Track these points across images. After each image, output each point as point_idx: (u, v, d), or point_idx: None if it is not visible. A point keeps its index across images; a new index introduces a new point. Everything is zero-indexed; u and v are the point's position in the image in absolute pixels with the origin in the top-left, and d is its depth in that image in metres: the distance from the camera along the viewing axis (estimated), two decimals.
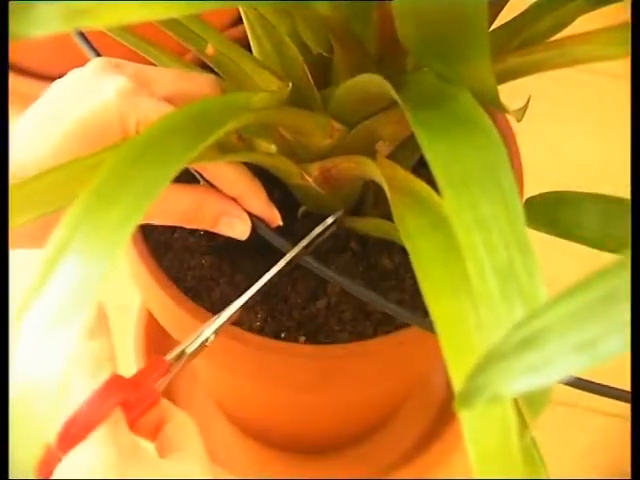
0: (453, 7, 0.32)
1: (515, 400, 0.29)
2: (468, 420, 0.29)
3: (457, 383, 0.30)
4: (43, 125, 0.43)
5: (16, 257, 0.40)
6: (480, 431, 0.29)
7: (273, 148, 0.48)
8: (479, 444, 0.29)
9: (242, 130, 0.48)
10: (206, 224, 0.47)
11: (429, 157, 0.32)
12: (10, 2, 0.27)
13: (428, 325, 0.48)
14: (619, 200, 0.46)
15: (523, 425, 0.29)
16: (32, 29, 0.26)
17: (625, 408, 0.74)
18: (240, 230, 0.48)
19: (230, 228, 0.48)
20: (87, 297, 0.28)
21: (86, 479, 0.36)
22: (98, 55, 0.49)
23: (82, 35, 0.50)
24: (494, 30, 0.45)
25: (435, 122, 0.34)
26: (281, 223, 0.49)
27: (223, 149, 0.45)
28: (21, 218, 0.33)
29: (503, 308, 0.28)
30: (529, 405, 0.28)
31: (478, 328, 0.31)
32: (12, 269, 0.32)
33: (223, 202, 0.47)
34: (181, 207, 0.46)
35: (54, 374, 0.28)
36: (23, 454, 0.27)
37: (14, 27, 0.26)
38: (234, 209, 0.47)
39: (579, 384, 0.48)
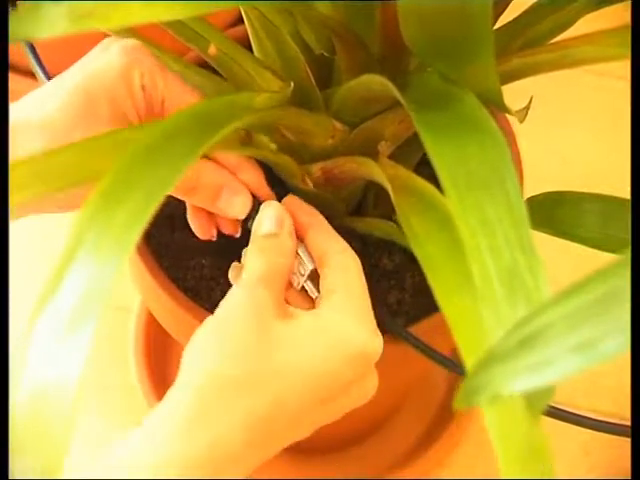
0: (458, 7, 0.32)
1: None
2: (492, 418, 0.29)
3: None
4: (51, 85, 0.45)
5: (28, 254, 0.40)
6: (504, 431, 0.29)
7: (274, 148, 0.48)
8: (505, 444, 0.29)
9: (246, 132, 0.48)
10: (207, 197, 0.46)
11: (433, 158, 0.32)
12: (16, 3, 0.27)
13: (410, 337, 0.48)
14: (619, 200, 0.46)
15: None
16: (38, 31, 0.26)
17: (622, 408, 0.75)
18: (239, 207, 0.46)
19: (230, 205, 0.46)
20: (99, 299, 0.28)
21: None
22: (45, 72, 0.51)
23: (32, 50, 0.51)
24: (496, 31, 0.45)
25: (439, 123, 0.34)
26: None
27: (228, 145, 0.45)
28: (28, 192, 0.33)
29: (507, 310, 0.28)
30: (531, 404, 0.28)
31: (485, 326, 0.31)
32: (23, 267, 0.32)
33: (223, 174, 0.46)
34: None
35: (70, 378, 0.28)
36: (36, 460, 0.27)
37: (20, 29, 0.26)
38: (235, 183, 0.46)
39: (579, 420, 0.48)
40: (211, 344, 0.40)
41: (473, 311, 0.31)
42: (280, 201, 0.48)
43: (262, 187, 0.48)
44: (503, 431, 0.29)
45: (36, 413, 0.28)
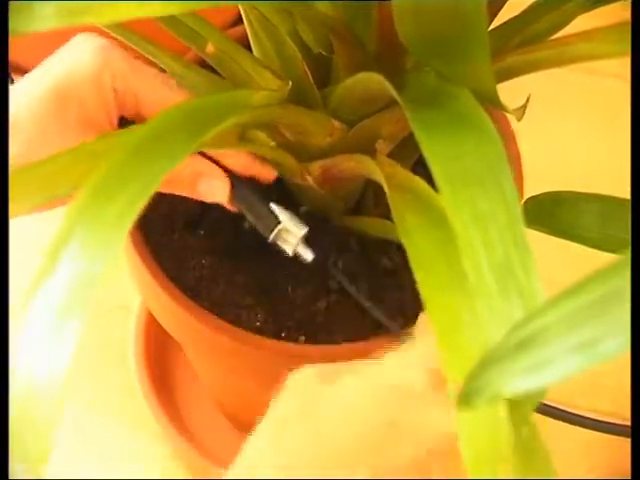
0: (453, 6, 0.32)
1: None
2: (461, 421, 0.29)
3: (451, 381, 0.30)
4: (22, 86, 0.44)
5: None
6: (472, 432, 0.29)
7: (273, 146, 0.48)
8: (472, 445, 0.29)
9: (243, 128, 0.48)
10: (184, 185, 0.46)
11: (428, 155, 0.32)
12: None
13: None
14: (619, 200, 0.46)
15: (522, 421, 0.29)
16: (31, 25, 0.26)
17: (622, 408, 0.75)
18: (218, 190, 0.46)
19: (210, 190, 0.46)
20: (88, 291, 0.28)
21: None
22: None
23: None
24: (494, 29, 0.45)
25: (434, 121, 0.34)
26: (275, 175, 0.48)
27: (225, 141, 0.45)
28: (21, 205, 0.33)
29: (500, 305, 0.28)
30: (523, 402, 0.28)
31: (474, 325, 0.31)
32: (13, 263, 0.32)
33: (199, 161, 0.46)
34: None
35: (58, 370, 0.28)
36: (25, 453, 0.27)
37: (14, 23, 0.26)
38: (212, 168, 0.46)
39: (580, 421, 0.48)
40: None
41: (462, 307, 0.31)
42: (274, 195, 0.48)
43: (252, 164, 0.47)
44: (470, 434, 0.29)
45: (22, 408, 0.28)
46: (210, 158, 0.47)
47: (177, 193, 0.47)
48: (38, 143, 0.43)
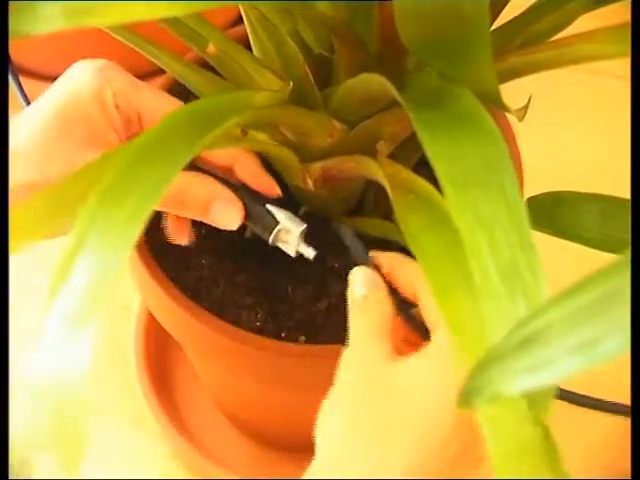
0: (454, 6, 0.32)
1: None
2: (486, 418, 0.29)
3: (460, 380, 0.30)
4: (28, 111, 0.45)
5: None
6: (500, 428, 0.29)
7: (275, 145, 0.48)
8: (499, 442, 0.29)
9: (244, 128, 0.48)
10: (197, 209, 0.46)
11: (431, 156, 0.32)
12: (12, 1, 0.27)
13: None
14: (619, 200, 0.46)
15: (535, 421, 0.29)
16: (35, 27, 0.26)
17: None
18: (232, 216, 0.46)
19: (222, 214, 0.46)
20: (105, 293, 0.29)
21: None
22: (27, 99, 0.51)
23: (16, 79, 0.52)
24: (495, 29, 0.45)
25: (437, 121, 0.34)
26: (280, 193, 0.48)
27: (226, 140, 0.45)
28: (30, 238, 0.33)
29: (507, 306, 0.28)
30: (533, 404, 0.28)
31: (480, 326, 0.31)
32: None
33: (213, 185, 0.46)
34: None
35: (79, 371, 0.28)
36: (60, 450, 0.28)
37: (16, 25, 0.26)
38: (225, 193, 0.46)
39: (579, 400, 0.48)
40: (331, 418, 0.41)
41: (469, 308, 0.31)
42: (281, 200, 0.48)
43: (260, 175, 0.47)
44: (497, 428, 0.29)
45: (51, 409, 0.28)
46: (219, 165, 0.47)
47: (188, 215, 0.47)
48: (46, 166, 0.43)
